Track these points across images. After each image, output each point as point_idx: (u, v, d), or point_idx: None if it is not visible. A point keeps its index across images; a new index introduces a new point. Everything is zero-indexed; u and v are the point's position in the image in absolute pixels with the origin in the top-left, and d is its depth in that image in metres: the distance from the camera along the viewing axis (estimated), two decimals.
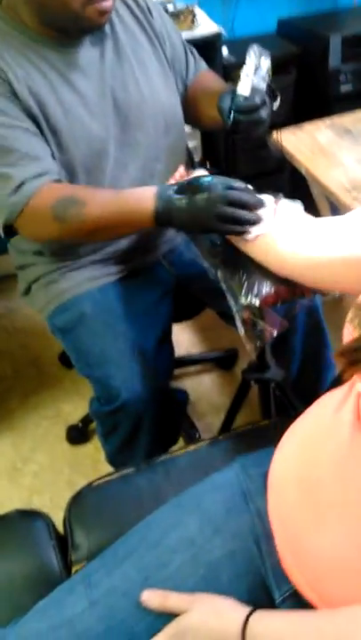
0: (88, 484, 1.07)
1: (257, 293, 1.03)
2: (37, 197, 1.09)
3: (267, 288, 1.04)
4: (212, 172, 1.08)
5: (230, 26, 2.03)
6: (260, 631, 0.69)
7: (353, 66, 1.97)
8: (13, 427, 1.95)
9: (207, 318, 1.71)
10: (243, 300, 1.04)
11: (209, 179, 1.00)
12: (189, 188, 1.00)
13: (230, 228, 0.98)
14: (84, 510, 1.03)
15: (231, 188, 0.97)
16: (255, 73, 1.09)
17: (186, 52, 1.34)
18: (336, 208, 1.61)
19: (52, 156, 1.15)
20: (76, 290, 1.33)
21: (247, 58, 1.09)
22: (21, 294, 1.44)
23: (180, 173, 1.13)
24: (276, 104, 1.18)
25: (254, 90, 1.07)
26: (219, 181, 0.98)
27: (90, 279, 1.34)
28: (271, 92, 1.14)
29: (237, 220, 0.96)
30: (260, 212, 1.00)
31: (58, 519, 1.06)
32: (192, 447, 1.11)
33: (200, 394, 2.00)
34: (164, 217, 1.02)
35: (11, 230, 1.18)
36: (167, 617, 0.75)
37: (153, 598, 0.77)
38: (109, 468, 1.47)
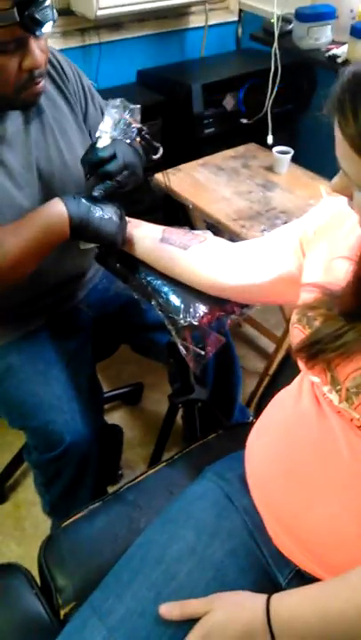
0: (57, 526, 1.06)
1: (194, 314, 1.11)
2: None
3: (202, 308, 1.12)
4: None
5: (94, 78, 2.13)
6: (282, 610, 0.74)
7: (213, 110, 2.16)
8: None
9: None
10: (182, 322, 1.11)
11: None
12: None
13: None
14: (59, 554, 1.01)
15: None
16: (115, 127, 1.13)
17: (96, 106, 1.35)
18: (217, 231, 1.75)
19: None
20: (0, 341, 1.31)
21: (105, 114, 1.14)
22: None
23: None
24: (159, 154, 1.25)
25: (111, 144, 1.11)
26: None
27: (11, 330, 1.33)
28: (148, 144, 1.21)
29: None
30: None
31: None
32: (151, 471, 1.14)
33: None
34: (77, 219, 1.05)
35: None
36: (187, 625, 0.78)
37: (172, 610, 0.79)
38: (38, 523, 1.42)
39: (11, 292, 1.24)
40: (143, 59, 2.32)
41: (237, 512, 0.90)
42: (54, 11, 1.00)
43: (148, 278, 1.16)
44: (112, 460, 1.43)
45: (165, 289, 1.14)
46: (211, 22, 2.42)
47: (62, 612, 0.95)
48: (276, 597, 0.76)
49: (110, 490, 1.14)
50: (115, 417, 2.07)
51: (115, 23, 2.18)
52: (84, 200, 1.07)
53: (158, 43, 2.34)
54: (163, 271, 1.15)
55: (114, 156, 1.09)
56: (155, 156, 1.26)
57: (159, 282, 1.15)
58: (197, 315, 1.11)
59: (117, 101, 1.14)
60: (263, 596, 0.76)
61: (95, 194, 1.10)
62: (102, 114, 1.31)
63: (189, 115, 2.09)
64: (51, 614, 0.95)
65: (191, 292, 1.13)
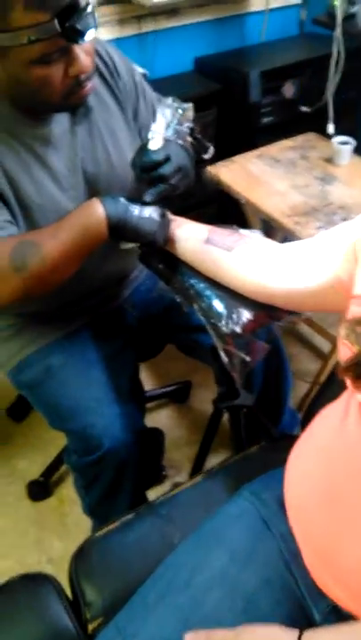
0: (89, 537, 1.03)
1: (237, 321, 1.05)
2: None
3: (247, 315, 1.05)
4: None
5: (150, 66, 2.08)
6: None
7: (272, 98, 2.07)
8: None
9: None
10: (224, 329, 1.05)
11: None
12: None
13: None
14: (90, 566, 0.98)
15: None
16: (168, 128, 1.08)
17: (147, 102, 1.29)
18: (272, 230, 1.67)
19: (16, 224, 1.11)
20: (39, 341, 1.28)
21: (157, 113, 1.09)
22: None
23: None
24: (209, 154, 1.20)
25: (164, 146, 1.05)
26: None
27: (53, 329, 1.30)
28: (199, 144, 1.16)
29: None
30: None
31: None
32: (188, 484, 1.09)
33: (163, 428, 1.97)
34: (115, 219, 1.01)
35: None
36: None
37: (197, 638, 0.74)
38: (79, 521, 1.41)
39: (54, 292, 1.22)
40: (201, 45, 2.25)
41: (274, 538, 0.84)
42: (95, 17, 0.96)
43: (191, 281, 1.11)
44: (153, 464, 1.39)
45: (208, 293, 1.09)
46: (272, 6, 2.32)
47: (90, 627, 0.93)
48: (308, 634, 0.70)
49: (152, 492, 1.09)
50: (162, 415, 2.04)
51: (172, 9, 2.11)
52: (122, 199, 1.03)
53: (217, 28, 2.26)
54: (206, 274, 1.09)
55: (167, 159, 1.04)
56: (205, 156, 1.21)
57: (202, 285, 1.10)
58: (241, 321, 1.05)
59: (170, 100, 1.09)
60: (295, 632, 0.71)
61: (147, 199, 1.05)
62: (153, 110, 1.27)
63: (246, 103, 2.01)
64: (78, 628, 0.92)
65: (236, 296, 1.07)
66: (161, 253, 1.13)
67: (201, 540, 0.87)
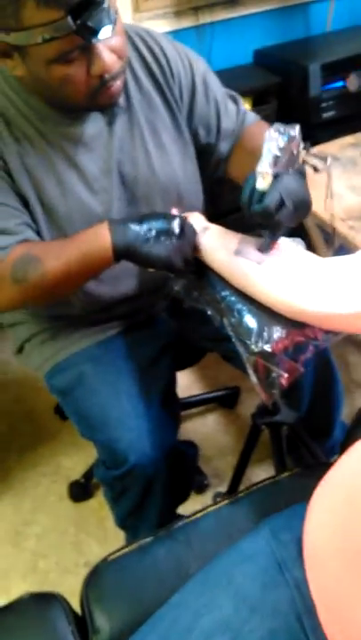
0: (104, 558, 0.99)
1: (268, 339, 0.98)
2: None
3: (278, 333, 0.98)
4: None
5: (207, 59, 2.01)
6: None
7: (333, 92, 1.96)
8: (12, 487, 1.85)
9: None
10: (253, 347, 0.98)
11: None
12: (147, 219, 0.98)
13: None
14: (102, 589, 0.95)
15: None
16: (275, 162, 0.94)
17: (219, 114, 1.21)
18: (330, 237, 1.57)
19: (35, 230, 1.08)
20: (73, 347, 1.26)
21: (264, 148, 0.94)
22: (14, 353, 1.37)
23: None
24: (327, 165, 1.10)
25: (274, 185, 0.92)
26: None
27: (87, 335, 1.27)
28: (313, 159, 1.06)
29: None
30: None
31: (66, 585, 0.99)
32: (211, 508, 1.04)
33: (204, 436, 1.93)
34: (122, 248, 0.97)
35: None
36: None
37: None
38: (116, 526, 1.39)
39: (87, 299, 1.19)
40: (261, 37, 2.15)
41: (287, 586, 0.77)
42: (111, 13, 0.89)
43: (223, 293, 1.04)
44: (184, 479, 1.34)
45: (239, 307, 1.02)
46: None
47: None
48: None
49: (191, 502, 1.04)
50: (208, 420, 1.99)
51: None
52: (132, 226, 0.97)
53: (278, 19, 2.16)
54: (237, 287, 1.02)
55: (282, 204, 0.92)
56: (321, 167, 1.11)
57: (233, 298, 1.03)
58: (272, 340, 0.98)
59: (272, 131, 0.94)
60: None
61: (264, 251, 0.98)
62: (217, 108, 1.19)
63: (305, 97, 1.90)
64: None
65: (269, 312, 0.99)
66: (190, 264, 1.07)
67: (209, 580, 0.81)
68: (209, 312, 1.07)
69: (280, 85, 1.97)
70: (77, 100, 0.97)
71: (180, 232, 0.98)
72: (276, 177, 0.93)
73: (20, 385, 2.16)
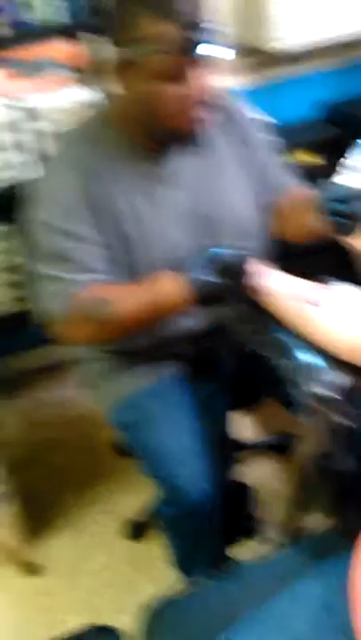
0: (160, 599, 1.01)
1: (328, 383, 0.99)
2: (74, 303, 1.09)
3: (339, 378, 0.99)
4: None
5: (274, 114, 2.08)
6: None
7: None
8: (70, 523, 1.89)
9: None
10: (312, 390, 1.00)
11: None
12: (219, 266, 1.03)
13: None
14: (158, 629, 0.96)
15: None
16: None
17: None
18: None
19: (111, 260, 1.15)
20: (136, 384, 1.30)
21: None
22: (79, 387, 1.43)
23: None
24: None
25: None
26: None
27: (151, 371, 1.32)
28: None
29: None
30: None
31: (119, 623, 1.01)
32: (263, 552, 1.04)
33: (257, 480, 1.91)
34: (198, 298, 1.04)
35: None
36: None
37: None
38: (171, 566, 1.40)
39: (150, 336, 1.24)
40: (327, 91, 2.21)
41: (333, 630, 0.77)
42: (214, 34, 0.96)
43: (281, 336, 1.07)
44: (236, 519, 1.35)
45: (297, 350, 1.04)
46: None
47: None
48: None
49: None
50: (264, 464, 1.97)
51: (297, 56, 2.10)
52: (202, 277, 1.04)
53: (345, 74, 2.21)
54: (295, 331, 1.05)
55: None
56: None
57: (292, 341, 1.05)
58: (333, 384, 0.99)
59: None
60: None
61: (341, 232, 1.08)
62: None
63: None
64: None
65: (328, 357, 1.01)
66: (250, 305, 1.10)
67: (262, 620, 0.82)
68: (265, 354, 1.10)
69: (347, 140, 2.00)
70: (168, 123, 1.04)
71: (243, 274, 1.03)
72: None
73: (83, 421, 2.21)
